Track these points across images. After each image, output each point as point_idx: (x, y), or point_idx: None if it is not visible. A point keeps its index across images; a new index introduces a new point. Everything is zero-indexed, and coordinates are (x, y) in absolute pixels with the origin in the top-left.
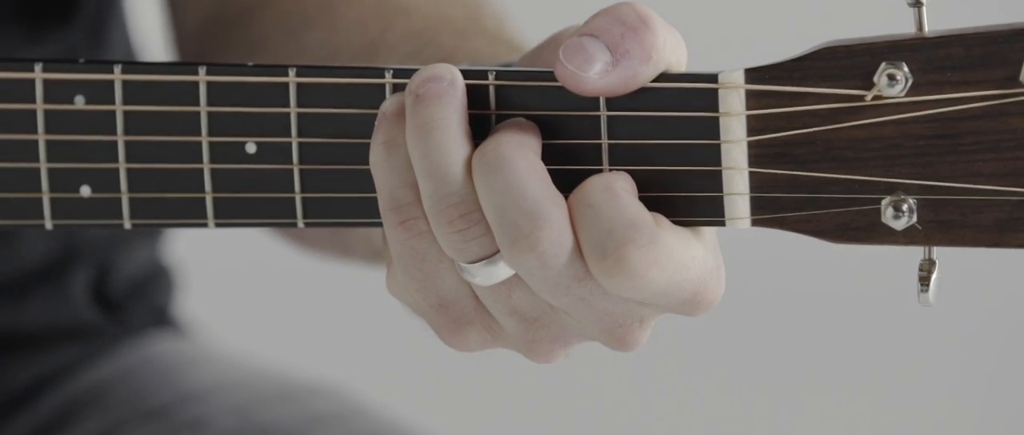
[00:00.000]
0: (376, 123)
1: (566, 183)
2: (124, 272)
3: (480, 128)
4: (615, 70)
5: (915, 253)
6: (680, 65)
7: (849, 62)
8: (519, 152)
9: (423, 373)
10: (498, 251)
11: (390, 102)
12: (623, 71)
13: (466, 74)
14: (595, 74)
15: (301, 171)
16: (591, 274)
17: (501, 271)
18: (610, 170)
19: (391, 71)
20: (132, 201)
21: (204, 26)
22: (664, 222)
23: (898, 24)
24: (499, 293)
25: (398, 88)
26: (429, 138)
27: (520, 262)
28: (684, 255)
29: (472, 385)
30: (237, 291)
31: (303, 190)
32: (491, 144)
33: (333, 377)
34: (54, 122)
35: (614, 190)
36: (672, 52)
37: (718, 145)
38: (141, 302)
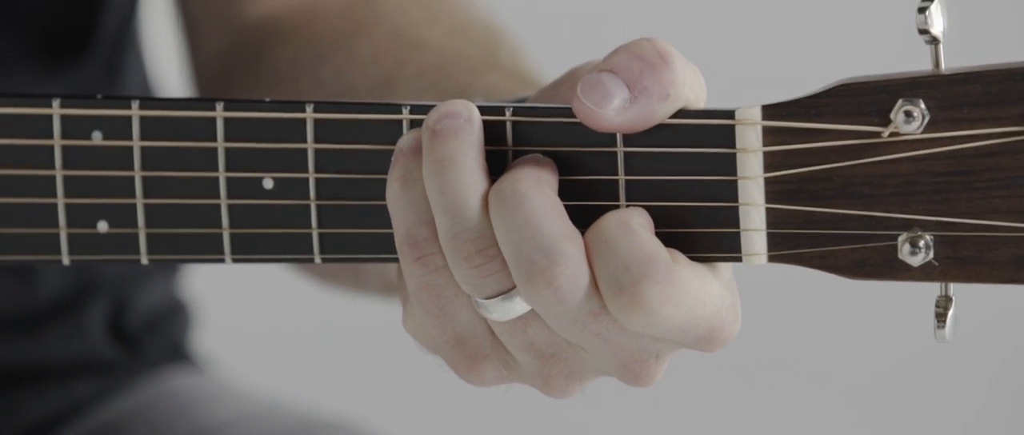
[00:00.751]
0: (393, 159)
1: (583, 218)
2: (141, 307)
3: (497, 164)
4: (632, 107)
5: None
6: (699, 101)
7: (866, 99)
8: (536, 188)
9: (440, 408)
10: (514, 287)
11: (407, 138)
12: (640, 108)
13: (483, 110)
14: (612, 111)
15: (318, 206)
16: (607, 310)
17: (517, 307)
18: (627, 206)
19: (408, 107)
20: (149, 236)
21: (221, 60)
22: (680, 258)
23: (915, 61)
24: (515, 329)
25: (415, 124)
26: (445, 173)
27: (536, 298)
28: (700, 291)
29: (489, 421)
30: (254, 326)
31: (320, 225)
32: (508, 180)
33: (350, 412)
34: (71, 157)
35: (630, 226)
36: (690, 89)
37: (735, 181)
38: (158, 337)
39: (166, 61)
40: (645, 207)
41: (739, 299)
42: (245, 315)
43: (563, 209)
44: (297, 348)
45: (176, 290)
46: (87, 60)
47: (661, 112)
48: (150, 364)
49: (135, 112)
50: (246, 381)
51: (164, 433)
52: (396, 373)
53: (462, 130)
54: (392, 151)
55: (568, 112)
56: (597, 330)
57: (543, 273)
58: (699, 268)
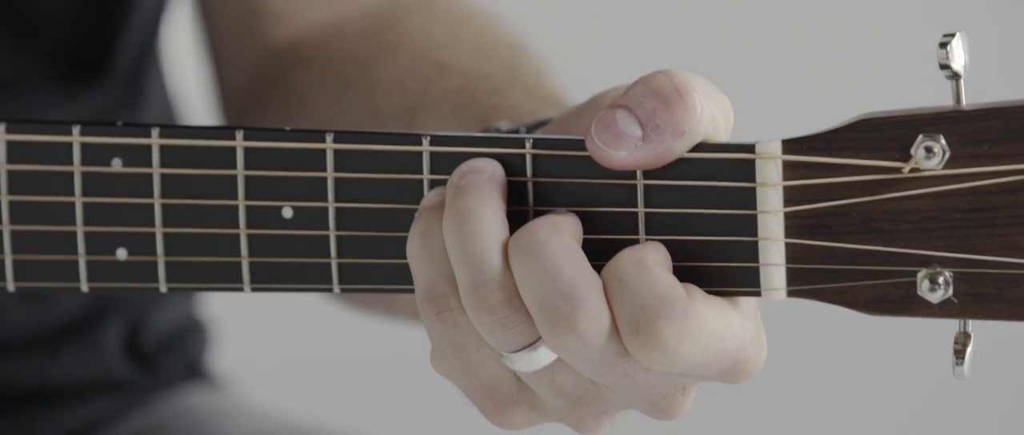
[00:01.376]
0: (416, 215)
1: (603, 252)
2: (157, 326)
3: (517, 196)
4: (644, 146)
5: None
6: (723, 132)
7: (887, 134)
8: (553, 234)
9: (455, 428)
10: (538, 338)
11: (431, 195)
12: (653, 147)
13: (503, 142)
14: (623, 152)
15: (337, 237)
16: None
17: (542, 357)
18: (645, 240)
19: (428, 138)
20: (168, 264)
21: (247, 84)
22: (697, 293)
23: (936, 95)
24: (542, 376)
25: (435, 156)
26: (465, 226)
27: (561, 344)
28: (718, 326)
29: None
30: (270, 344)
31: (339, 255)
32: (526, 228)
33: (366, 430)
34: (91, 185)
35: (645, 264)
36: (710, 122)
37: (755, 215)
38: (174, 356)
39: (187, 80)
40: (664, 240)
41: (763, 330)
42: (261, 333)
43: (582, 254)
44: (313, 366)
45: (192, 309)
46: (108, 80)
47: (676, 150)
48: (166, 382)
49: (155, 140)
50: (262, 399)
51: None
52: (411, 392)
53: (484, 185)
54: (412, 181)
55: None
56: (624, 371)
57: (566, 319)
58: (717, 302)
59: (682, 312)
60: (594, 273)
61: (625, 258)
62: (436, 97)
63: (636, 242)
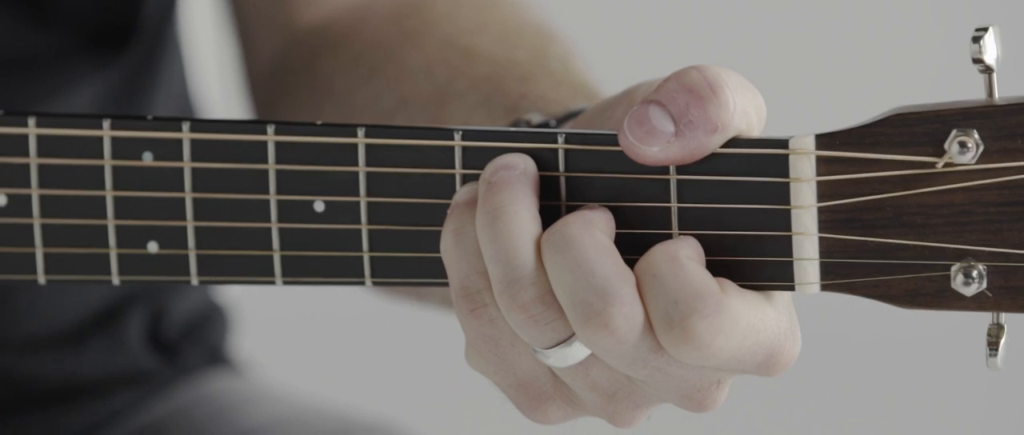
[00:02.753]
0: (448, 212)
1: (636, 247)
2: (178, 314)
3: (549, 191)
4: (677, 141)
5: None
6: (756, 127)
7: (920, 129)
8: (585, 230)
9: (477, 411)
10: (572, 334)
11: (463, 191)
12: (686, 142)
13: (535, 137)
14: (656, 148)
15: (369, 231)
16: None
17: (576, 352)
18: (678, 234)
19: (460, 133)
20: (199, 258)
21: (272, 67)
22: (730, 288)
23: (969, 90)
24: (577, 372)
25: (466, 150)
26: (497, 223)
27: (594, 340)
28: (752, 320)
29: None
30: (292, 329)
31: (371, 249)
32: (558, 225)
33: (387, 414)
34: (122, 178)
35: (678, 259)
36: (743, 118)
37: (788, 210)
38: (196, 342)
39: (204, 56)
40: (697, 235)
41: (797, 323)
42: (283, 318)
43: (615, 250)
44: (335, 351)
45: (213, 295)
46: (128, 52)
47: (709, 145)
48: (188, 369)
49: (186, 135)
50: (284, 384)
51: None
52: (433, 376)
53: (516, 181)
54: (444, 176)
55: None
56: (658, 365)
57: (599, 315)
58: (750, 296)
59: (716, 307)
60: (627, 269)
61: (658, 253)
62: (463, 86)
63: (669, 237)
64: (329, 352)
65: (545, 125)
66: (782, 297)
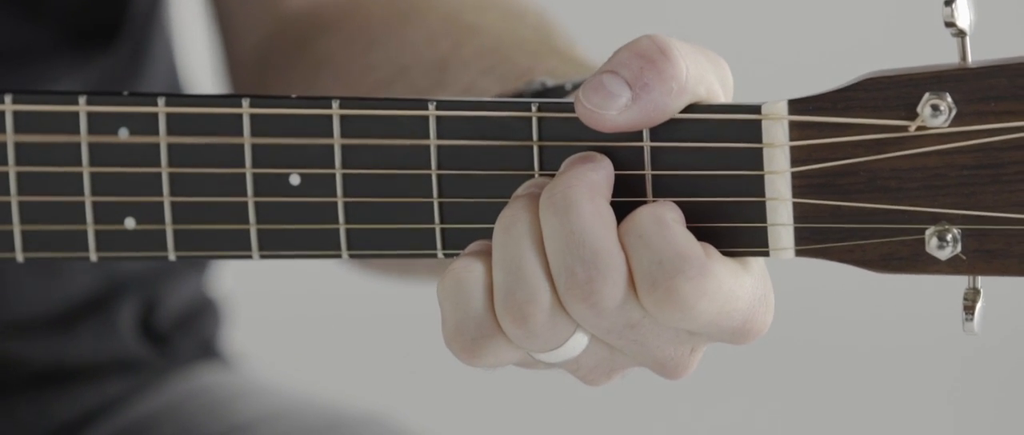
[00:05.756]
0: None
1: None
2: (170, 305)
3: (521, 160)
4: (635, 105)
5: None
6: (722, 96)
7: (893, 93)
8: (587, 196)
9: (469, 403)
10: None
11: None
12: (644, 105)
13: (508, 105)
14: (615, 111)
15: (345, 203)
16: (643, 316)
17: (571, 349)
18: (654, 200)
19: (434, 103)
20: (176, 233)
21: (261, 50)
22: (713, 253)
23: (941, 54)
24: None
25: (441, 121)
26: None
27: (574, 307)
28: (733, 285)
29: (515, 415)
30: (284, 323)
31: (347, 221)
32: (561, 184)
33: (380, 407)
34: (98, 154)
35: (665, 221)
36: (699, 82)
37: (762, 176)
38: (188, 335)
39: (193, 47)
40: (672, 202)
41: (772, 292)
42: (275, 312)
43: (613, 220)
44: (327, 344)
45: (205, 288)
46: (116, 47)
47: (669, 106)
48: (180, 362)
49: (161, 109)
50: (276, 378)
51: (195, 431)
52: (425, 368)
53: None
54: (419, 147)
55: None
56: (635, 337)
57: (581, 286)
58: (731, 262)
59: (701, 269)
60: (618, 244)
61: (644, 215)
62: (470, 54)
63: (643, 204)
64: (321, 346)
65: (560, 88)
66: (758, 266)
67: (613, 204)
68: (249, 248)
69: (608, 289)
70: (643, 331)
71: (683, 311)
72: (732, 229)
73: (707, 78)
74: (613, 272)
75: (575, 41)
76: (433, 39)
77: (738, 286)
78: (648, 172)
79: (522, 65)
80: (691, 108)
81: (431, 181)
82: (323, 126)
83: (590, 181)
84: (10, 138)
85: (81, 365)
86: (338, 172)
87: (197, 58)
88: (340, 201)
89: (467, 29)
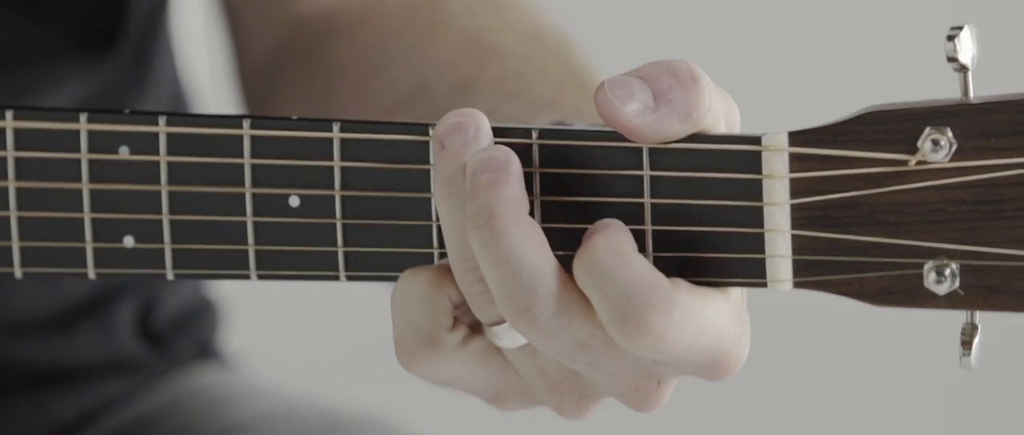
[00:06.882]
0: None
1: None
2: (169, 306)
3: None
4: (652, 114)
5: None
6: (731, 130)
7: (893, 127)
8: (512, 219)
9: (472, 403)
10: None
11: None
12: (659, 117)
13: (510, 132)
14: (632, 111)
15: (344, 225)
16: (591, 335)
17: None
18: (651, 230)
19: (433, 128)
20: (175, 252)
21: (270, 56)
22: (680, 284)
23: (943, 88)
24: (526, 356)
25: None
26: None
27: (524, 334)
28: (705, 318)
29: (522, 416)
30: (282, 324)
31: (346, 244)
32: (485, 213)
33: (378, 408)
34: (98, 172)
35: (625, 254)
36: (714, 118)
37: (761, 207)
38: (186, 335)
39: (197, 54)
40: (670, 231)
41: (748, 327)
42: (273, 312)
43: (542, 239)
44: (325, 345)
45: (203, 289)
46: (117, 53)
47: (678, 130)
48: (178, 362)
49: (162, 128)
50: (274, 378)
51: (193, 431)
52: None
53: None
54: (419, 171)
55: (595, 135)
56: (588, 360)
57: (522, 313)
58: (704, 294)
59: (670, 302)
60: (551, 259)
61: (602, 248)
62: (494, 77)
63: (642, 234)
64: (319, 346)
65: None
66: (735, 300)
67: None
68: (247, 268)
69: (548, 310)
70: (596, 353)
71: (656, 342)
72: (730, 259)
73: (720, 116)
74: (547, 292)
75: (594, 65)
76: (455, 59)
77: (711, 320)
78: (647, 200)
79: (547, 96)
80: (693, 137)
81: (430, 205)
82: (324, 148)
83: (510, 201)
84: (10, 154)
85: (79, 365)
86: (337, 194)
87: (201, 66)
88: (339, 223)
89: (489, 51)
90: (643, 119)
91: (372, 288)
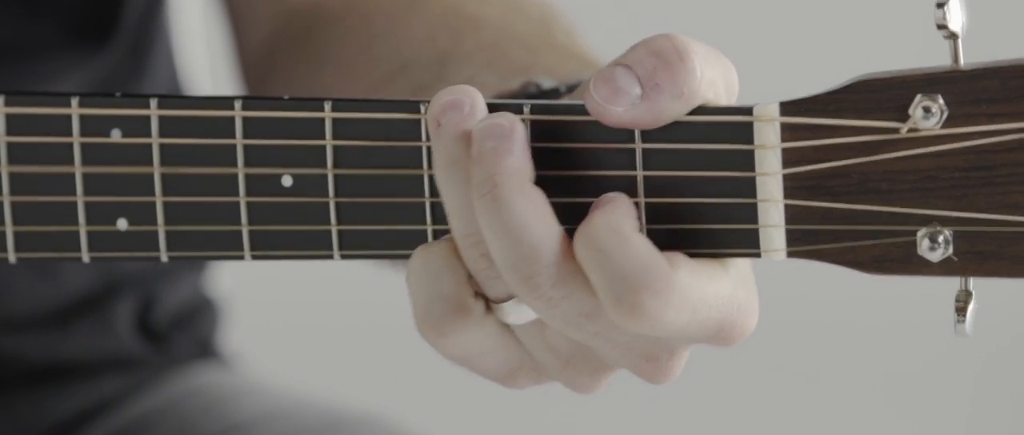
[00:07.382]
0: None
1: None
2: (168, 304)
3: None
4: (643, 104)
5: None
6: (725, 98)
7: (884, 95)
8: (517, 189)
9: (467, 403)
10: None
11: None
12: (651, 105)
13: (502, 108)
14: (621, 108)
15: (337, 204)
16: (599, 311)
17: (529, 310)
18: (644, 202)
19: (425, 105)
20: (169, 234)
21: (268, 46)
22: (679, 261)
23: (934, 56)
24: (534, 332)
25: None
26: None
27: (527, 302)
28: (704, 292)
29: (514, 415)
30: (281, 323)
31: (339, 222)
32: (488, 183)
33: (378, 407)
34: (90, 155)
35: (623, 233)
36: (710, 87)
37: (753, 177)
38: (185, 334)
39: (194, 46)
40: (663, 204)
41: (755, 293)
42: (273, 311)
43: (546, 207)
44: (325, 344)
45: (203, 287)
46: (114, 46)
47: (674, 111)
48: (178, 361)
49: (154, 111)
50: (273, 377)
51: (192, 430)
52: (423, 368)
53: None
54: (411, 148)
55: (585, 109)
56: (595, 330)
57: (525, 282)
58: (703, 268)
59: (665, 283)
60: (557, 229)
61: (601, 226)
62: (470, 47)
63: (636, 206)
64: (319, 345)
65: (555, 91)
66: (741, 268)
67: None
68: (241, 249)
69: (553, 281)
70: (603, 322)
71: (652, 322)
72: (723, 230)
73: (717, 83)
74: (551, 262)
75: (578, 33)
76: (434, 36)
77: (709, 293)
78: (639, 173)
79: (520, 61)
80: None
81: (423, 181)
82: (315, 128)
83: (515, 171)
84: (2, 139)
85: (78, 363)
86: (330, 173)
87: (198, 58)
88: (332, 202)
89: (468, 21)
90: (635, 112)
91: (372, 288)
